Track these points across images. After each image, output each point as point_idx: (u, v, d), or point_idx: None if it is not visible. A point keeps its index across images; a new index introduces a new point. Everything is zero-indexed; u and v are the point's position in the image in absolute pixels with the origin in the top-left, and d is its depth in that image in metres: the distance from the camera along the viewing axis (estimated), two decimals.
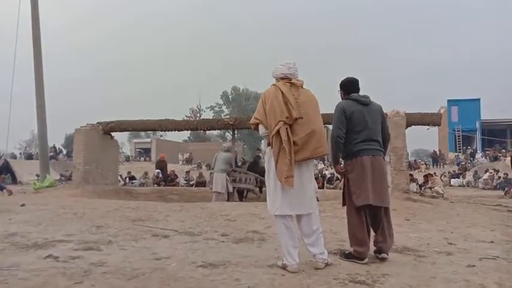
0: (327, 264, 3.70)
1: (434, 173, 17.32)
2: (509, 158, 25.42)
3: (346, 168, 4.04)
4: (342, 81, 4.24)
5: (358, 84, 4.20)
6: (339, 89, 4.27)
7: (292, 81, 3.80)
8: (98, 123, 12.08)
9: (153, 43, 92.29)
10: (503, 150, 29.41)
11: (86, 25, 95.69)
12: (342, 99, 4.20)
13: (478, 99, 35.84)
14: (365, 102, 4.06)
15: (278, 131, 3.57)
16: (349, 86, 4.18)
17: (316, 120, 3.74)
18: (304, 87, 3.87)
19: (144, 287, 3.17)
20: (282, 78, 3.83)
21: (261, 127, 3.77)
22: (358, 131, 3.97)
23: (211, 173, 11.36)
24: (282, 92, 3.69)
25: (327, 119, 9.79)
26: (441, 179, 18.98)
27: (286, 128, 3.59)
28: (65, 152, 36.54)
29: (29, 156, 33.72)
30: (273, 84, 3.85)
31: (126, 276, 3.41)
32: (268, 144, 3.73)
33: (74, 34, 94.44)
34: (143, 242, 4.79)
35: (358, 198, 3.89)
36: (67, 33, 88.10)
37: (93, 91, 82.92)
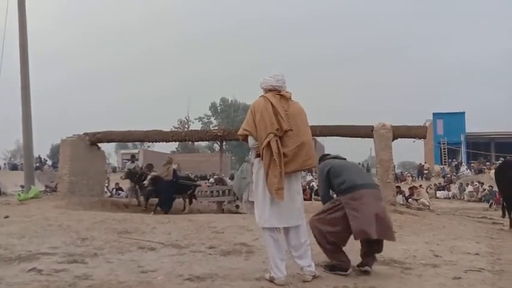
0: (314, 277, 3.70)
1: (420, 185, 17.50)
2: (493, 171, 25.84)
3: (344, 201, 3.92)
4: (320, 156, 4.51)
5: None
6: (319, 161, 4.42)
7: (281, 93, 3.83)
8: (84, 133, 11.95)
9: (141, 48, 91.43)
10: (487, 163, 29.85)
11: (70, 28, 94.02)
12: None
13: (463, 113, 36.49)
14: (341, 158, 4.34)
15: (269, 143, 3.58)
16: (325, 155, 4.50)
17: (305, 132, 3.77)
18: (292, 99, 3.90)
19: None
20: (271, 90, 3.85)
21: (250, 139, 3.77)
22: (346, 176, 4.01)
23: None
24: (271, 104, 3.70)
25: (314, 130, 9.92)
26: (427, 191, 19.18)
27: (277, 140, 3.60)
28: (50, 162, 36.08)
29: (14, 167, 33.22)
30: (262, 96, 3.86)
31: None
32: (257, 156, 3.74)
33: (56, 37, 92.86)
34: (129, 254, 4.74)
35: (357, 230, 3.75)
36: (50, 36, 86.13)
37: (79, 98, 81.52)
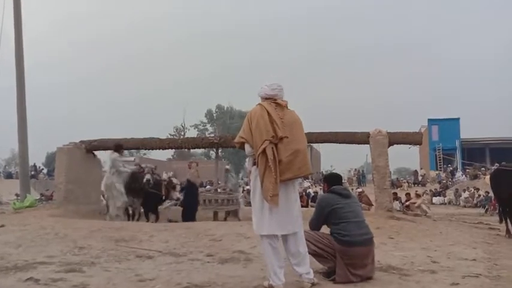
0: (313, 284, 3.70)
1: (416, 192, 17.52)
2: (488, 177, 25.93)
3: (337, 249, 3.99)
4: (327, 175, 4.93)
5: (341, 180, 4.65)
6: (324, 182, 4.59)
7: (277, 101, 3.88)
8: (80, 141, 11.91)
9: (137, 50, 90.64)
10: (482, 169, 29.97)
11: (64, 34, 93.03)
12: (324, 191, 4.48)
13: (458, 119, 36.72)
14: (346, 195, 4.23)
15: (264, 150, 3.62)
16: (333, 180, 4.44)
17: (300, 140, 3.81)
18: (288, 107, 3.94)
19: None
20: (267, 98, 3.90)
21: (247, 146, 3.81)
22: (344, 226, 4.01)
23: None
24: (267, 112, 3.75)
25: (310, 137, 9.94)
26: (423, 196, 19.19)
27: (272, 147, 3.63)
28: (45, 170, 35.89)
29: (9, 175, 33.06)
30: (259, 104, 3.92)
31: None
32: (254, 164, 3.76)
33: (48, 43, 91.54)
34: (127, 263, 4.72)
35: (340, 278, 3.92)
36: (42, 42, 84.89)
37: (73, 104, 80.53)
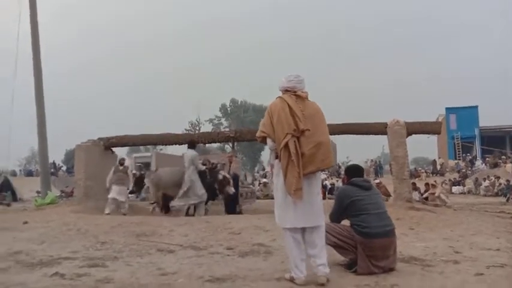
0: (327, 280, 3.63)
1: (435, 181, 17.29)
2: (510, 165, 25.48)
3: (358, 240, 3.96)
4: (347, 167, 4.86)
5: (362, 172, 4.48)
6: (344, 174, 4.56)
7: (297, 93, 3.81)
8: (99, 138, 12.09)
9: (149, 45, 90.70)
10: (503, 157, 29.40)
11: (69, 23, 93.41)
12: (344, 183, 4.46)
13: (476, 107, 36.01)
14: (366, 187, 4.15)
15: (286, 144, 3.57)
16: (353, 172, 4.37)
17: (322, 132, 3.74)
18: (309, 99, 3.88)
19: None
20: (287, 91, 3.84)
21: (269, 140, 3.78)
22: (364, 218, 3.97)
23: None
24: (288, 104, 3.70)
25: (332, 129, 9.88)
26: (442, 186, 18.94)
27: (295, 141, 3.59)
28: (64, 168, 36.50)
29: (29, 173, 33.74)
30: (279, 97, 3.86)
31: None
32: (276, 157, 3.74)
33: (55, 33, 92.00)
34: (149, 257, 4.78)
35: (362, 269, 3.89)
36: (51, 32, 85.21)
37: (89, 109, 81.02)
